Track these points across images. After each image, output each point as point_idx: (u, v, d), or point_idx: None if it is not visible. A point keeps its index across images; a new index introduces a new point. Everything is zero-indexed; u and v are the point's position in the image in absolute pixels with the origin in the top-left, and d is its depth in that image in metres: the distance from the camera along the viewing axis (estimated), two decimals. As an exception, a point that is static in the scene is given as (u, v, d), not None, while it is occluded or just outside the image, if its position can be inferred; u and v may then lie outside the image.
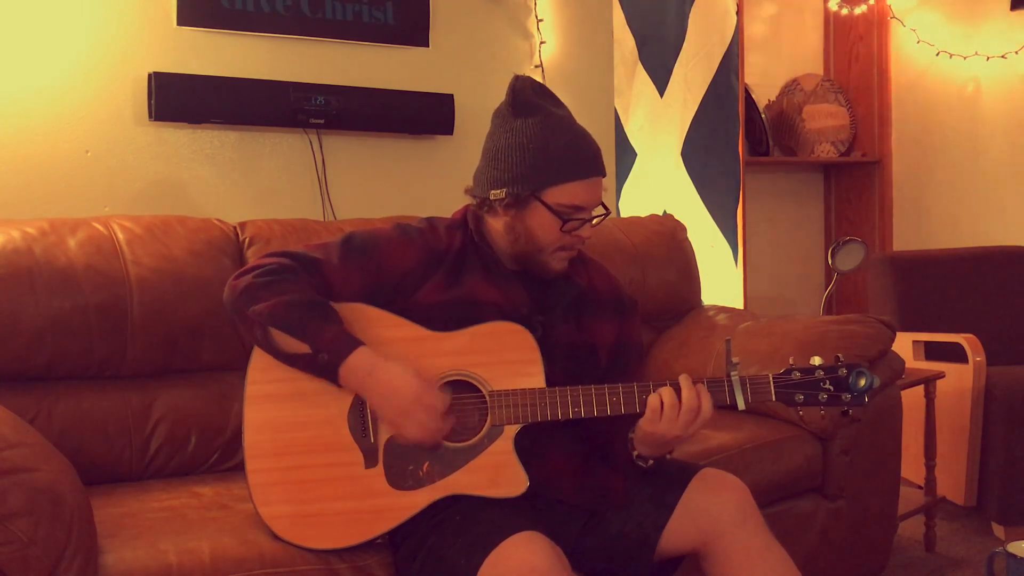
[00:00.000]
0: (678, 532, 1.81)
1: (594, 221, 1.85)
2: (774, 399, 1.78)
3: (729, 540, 1.79)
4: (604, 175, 1.85)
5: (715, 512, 1.80)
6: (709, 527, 1.80)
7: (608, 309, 1.95)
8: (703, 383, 1.75)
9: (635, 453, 1.82)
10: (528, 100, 1.83)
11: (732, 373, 1.76)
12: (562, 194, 1.79)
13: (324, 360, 1.69)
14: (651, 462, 1.83)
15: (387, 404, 1.71)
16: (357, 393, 1.74)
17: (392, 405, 1.70)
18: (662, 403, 1.71)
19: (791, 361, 1.80)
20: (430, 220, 1.92)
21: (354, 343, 1.70)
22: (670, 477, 1.86)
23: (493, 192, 1.82)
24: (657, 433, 1.73)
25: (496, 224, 1.86)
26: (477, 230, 1.88)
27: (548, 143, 1.79)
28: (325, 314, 1.72)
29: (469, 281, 1.84)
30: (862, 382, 1.76)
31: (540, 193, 1.79)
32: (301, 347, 1.70)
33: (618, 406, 1.76)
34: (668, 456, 1.85)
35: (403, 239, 1.86)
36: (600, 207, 1.85)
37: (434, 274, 1.83)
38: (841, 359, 1.79)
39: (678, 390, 1.73)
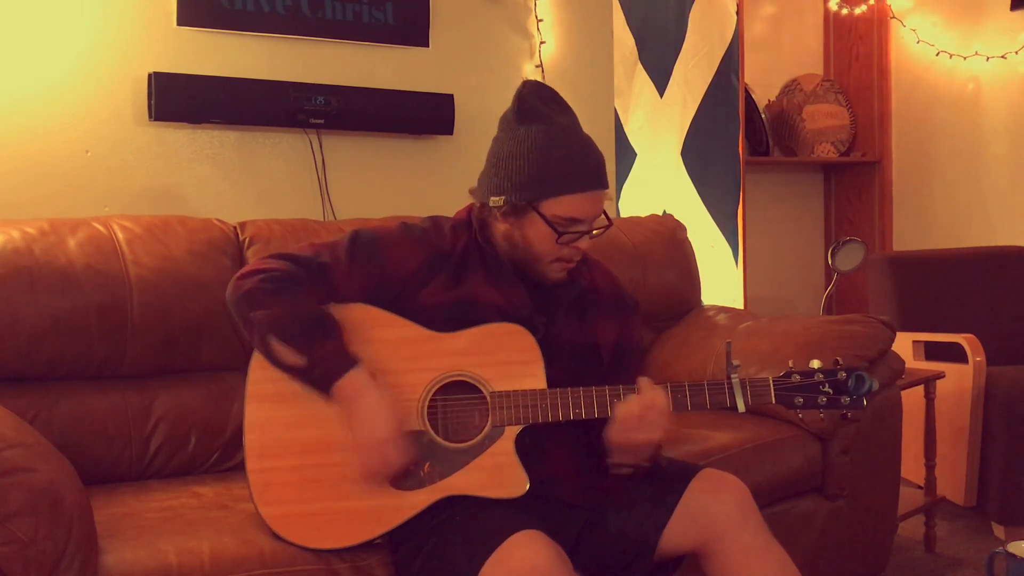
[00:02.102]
0: (678, 532, 1.81)
1: (594, 232, 1.84)
2: (774, 402, 1.78)
3: (729, 540, 1.79)
4: (605, 187, 1.83)
5: (715, 512, 1.80)
6: (709, 527, 1.80)
7: (610, 309, 1.95)
8: (703, 384, 1.75)
9: (610, 460, 1.82)
10: (533, 107, 1.82)
11: (732, 375, 1.77)
12: (559, 206, 1.78)
13: (318, 375, 1.70)
14: (629, 470, 1.83)
15: (358, 432, 1.71)
16: (342, 408, 1.75)
17: (360, 436, 1.71)
18: (627, 411, 1.73)
19: (791, 364, 1.80)
20: (434, 219, 1.92)
21: (348, 363, 1.71)
22: (670, 477, 1.86)
23: (492, 199, 1.82)
24: (622, 440, 1.75)
25: (500, 230, 1.86)
26: (481, 231, 1.88)
27: (548, 154, 1.77)
28: (324, 328, 1.73)
29: (471, 282, 1.84)
30: (861, 385, 1.76)
31: (537, 204, 1.78)
32: (296, 360, 1.70)
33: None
34: (661, 462, 1.85)
35: (409, 240, 1.85)
36: (602, 219, 1.84)
37: (438, 274, 1.83)
38: (840, 362, 1.80)
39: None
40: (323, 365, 1.70)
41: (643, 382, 1.75)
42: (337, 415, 1.76)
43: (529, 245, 1.81)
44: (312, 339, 1.70)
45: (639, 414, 1.72)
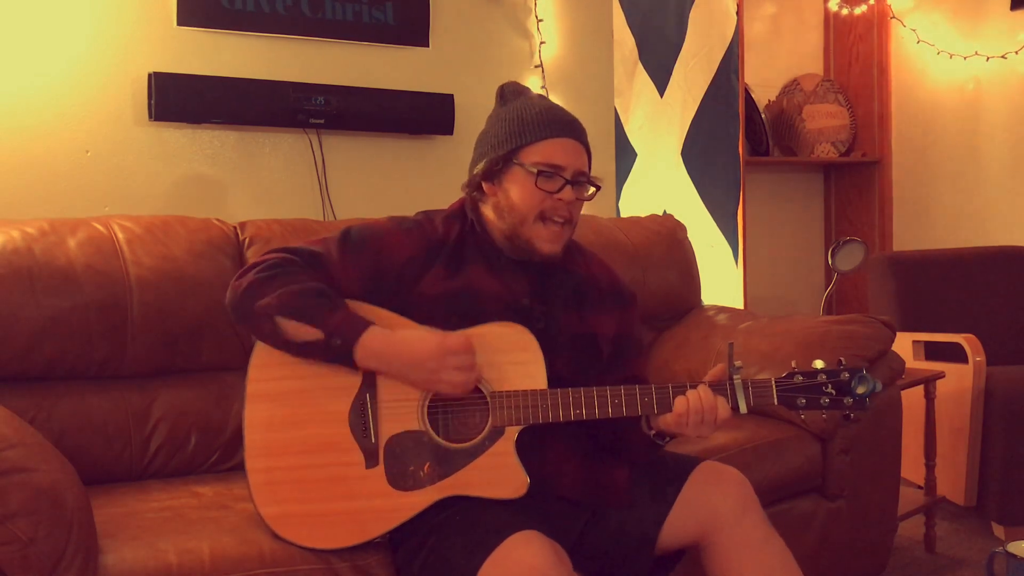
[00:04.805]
0: (678, 525, 1.82)
1: (589, 191, 1.85)
2: (776, 403, 1.78)
3: (729, 533, 1.79)
4: (583, 142, 1.86)
5: (715, 505, 1.81)
6: (709, 520, 1.80)
7: (608, 300, 1.95)
8: (705, 386, 1.76)
9: (653, 432, 1.82)
10: (513, 89, 1.91)
11: (735, 376, 1.77)
12: (537, 153, 1.80)
13: (337, 344, 1.70)
14: (668, 439, 1.84)
15: (415, 370, 1.71)
16: (376, 371, 1.74)
17: (421, 369, 1.71)
18: (689, 407, 1.73)
19: (793, 364, 1.80)
20: (426, 213, 1.93)
21: (363, 323, 1.71)
22: (670, 471, 1.86)
23: (476, 169, 1.85)
24: (681, 432, 1.77)
25: (489, 213, 1.86)
26: (476, 219, 1.88)
27: (523, 113, 1.84)
28: (331, 300, 1.73)
29: (469, 271, 1.84)
30: (864, 387, 1.76)
31: (516, 156, 1.81)
32: (312, 334, 1.70)
33: (620, 408, 1.76)
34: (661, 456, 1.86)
35: (399, 231, 1.86)
36: (585, 178, 1.84)
37: (434, 265, 1.84)
38: (843, 363, 1.79)
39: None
40: (340, 332, 1.69)
41: (703, 388, 1.76)
42: (338, 414, 1.76)
43: (513, 205, 1.82)
44: (322, 310, 1.71)
45: (700, 409, 1.73)
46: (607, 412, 1.76)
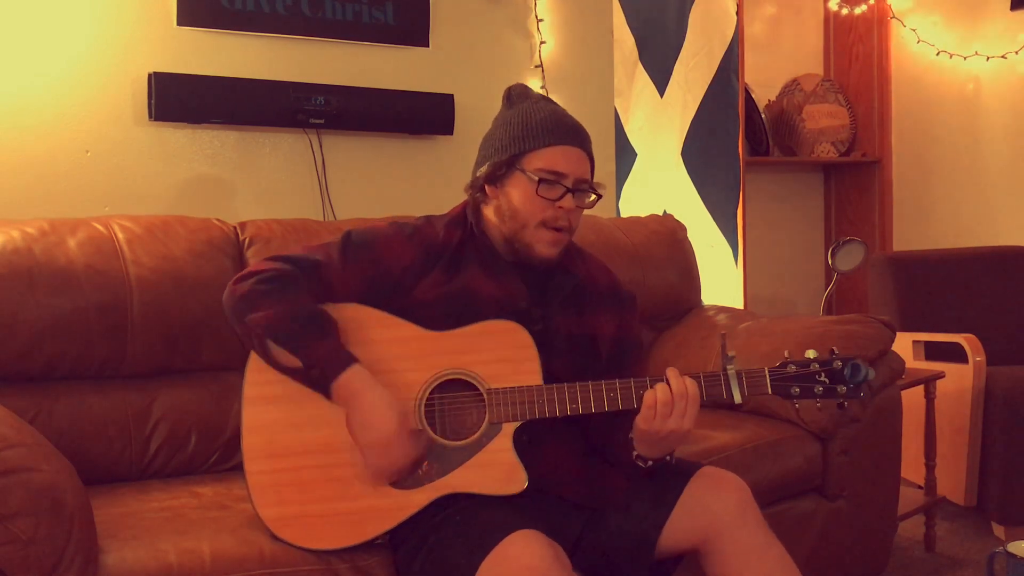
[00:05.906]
0: (678, 530, 1.82)
1: (590, 198, 1.85)
2: (770, 392, 1.77)
3: (728, 538, 1.79)
4: (586, 149, 1.86)
5: (715, 510, 1.80)
6: (709, 525, 1.80)
7: (607, 302, 1.96)
8: (698, 376, 1.75)
9: (635, 453, 1.82)
10: (519, 92, 1.91)
11: (728, 367, 1.76)
12: (539, 159, 1.81)
13: (315, 376, 1.70)
14: (651, 463, 1.83)
15: (361, 432, 1.71)
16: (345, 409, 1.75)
17: (365, 435, 1.71)
18: (656, 398, 1.71)
19: (786, 355, 1.80)
20: (428, 217, 1.94)
21: (346, 361, 1.71)
22: (670, 475, 1.86)
23: (479, 171, 1.85)
24: (653, 429, 1.73)
25: (491, 215, 1.87)
26: (476, 222, 1.89)
27: (528, 118, 1.84)
28: (321, 328, 1.73)
29: (467, 275, 1.85)
30: (857, 374, 1.76)
31: (518, 161, 1.81)
32: (294, 360, 1.71)
33: (615, 402, 1.76)
34: (668, 459, 1.85)
35: (400, 236, 1.87)
36: (587, 186, 1.84)
37: (432, 269, 1.84)
38: (836, 352, 1.79)
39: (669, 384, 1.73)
40: (320, 365, 1.70)
41: (671, 372, 1.74)
42: (335, 416, 1.76)
43: (513, 208, 1.82)
44: (308, 339, 1.71)
45: (671, 402, 1.71)
46: (603, 406, 1.76)
